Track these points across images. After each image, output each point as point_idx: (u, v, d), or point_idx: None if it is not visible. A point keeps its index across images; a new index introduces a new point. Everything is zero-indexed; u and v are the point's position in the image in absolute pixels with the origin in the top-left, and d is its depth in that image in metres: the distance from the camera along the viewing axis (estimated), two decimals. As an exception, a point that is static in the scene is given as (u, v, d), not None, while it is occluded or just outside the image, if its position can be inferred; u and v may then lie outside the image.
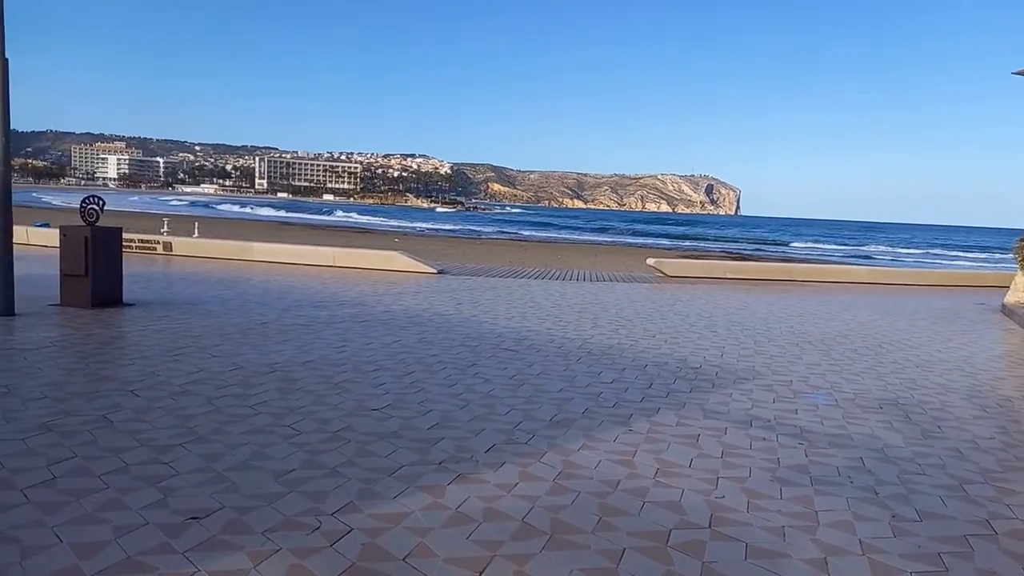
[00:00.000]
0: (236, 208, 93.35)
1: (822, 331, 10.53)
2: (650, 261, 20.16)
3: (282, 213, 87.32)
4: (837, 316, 12.32)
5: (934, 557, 3.45)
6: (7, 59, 8.38)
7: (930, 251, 71.78)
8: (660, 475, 4.34)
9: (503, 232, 65.48)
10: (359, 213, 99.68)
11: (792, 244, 71.30)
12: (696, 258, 32.68)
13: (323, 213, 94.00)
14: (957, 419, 6.02)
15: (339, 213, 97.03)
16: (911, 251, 70.10)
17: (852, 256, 55.82)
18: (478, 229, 67.40)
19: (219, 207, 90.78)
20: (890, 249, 71.84)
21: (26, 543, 3.10)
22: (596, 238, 64.69)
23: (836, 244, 76.63)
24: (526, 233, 64.99)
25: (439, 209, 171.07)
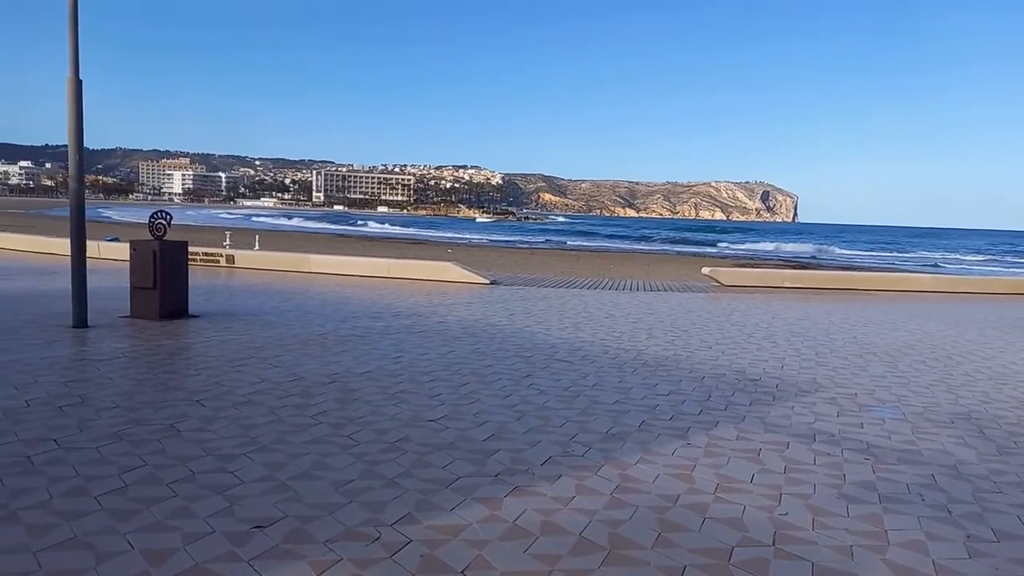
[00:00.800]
0: (270, 220, 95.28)
1: (887, 342, 10.19)
2: (705, 270, 19.85)
3: (296, 221, 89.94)
4: (902, 326, 11.91)
5: (1015, 581, 3.28)
6: (81, 80, 8.78)
7: (994, 257, 68.60)
8: (720, 490, 4.25)
9: (548, 241, 65.11)
10: (378, 223, 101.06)
11: (836, 252, 68.28)
12: (753, 267, 32.08)
13: (349, 223, 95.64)
14: (1035, 435, 5.74)
15: (367, 224, 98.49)
16: (976, 258, 67.16)
17: (914, 264, 53.87)
18: (506, 239, 66.40)
19: (255, 218, 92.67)
20: (955, 256, 69.00)
21: (100, 549, 3.22)
22: (637, 246, 63.79)
23: (895, 252, 73.96)
24: (571, 243, 64.43)
25: (479, 219, 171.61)
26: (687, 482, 4.37)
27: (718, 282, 18.65)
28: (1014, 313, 14.51)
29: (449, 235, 70.25)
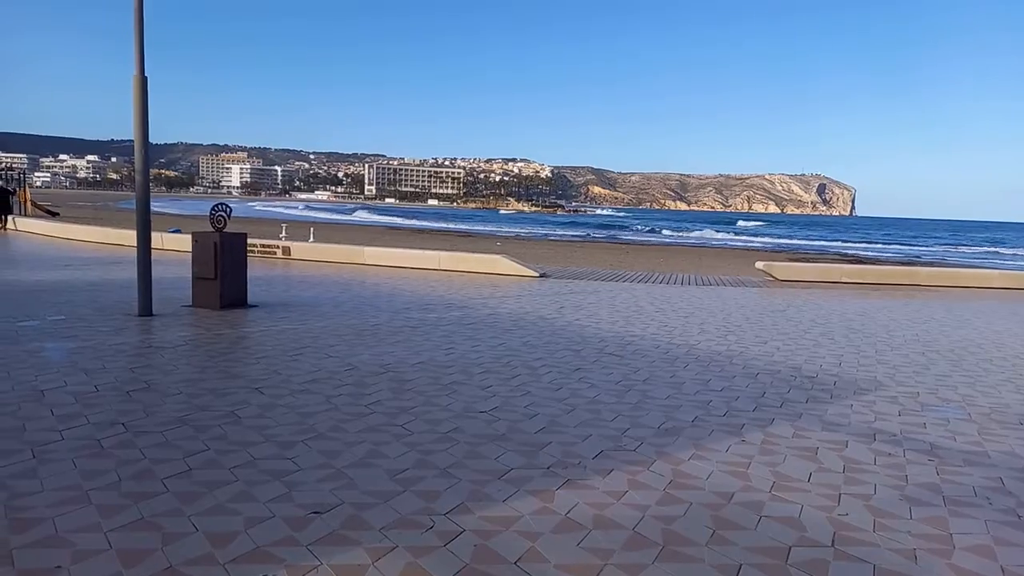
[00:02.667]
0: (280, 209, 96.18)
1: (951, 340, 9.83)
2: (759, 264, 19.46)
3: (304, 211, 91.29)
4: (968, 323, 11.48)
5: (1091, 591, 3.14)
6: (146, 77, 9.07)
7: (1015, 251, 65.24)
8: (777, 489, 4.18)
9: (574, 234, 64.29)
10: (379, 213, 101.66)
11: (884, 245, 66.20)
12: (809, 261, 31.32)
13: (342, 213, 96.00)
14: (1113, 439, 5.47)
15: (359, 213, 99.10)
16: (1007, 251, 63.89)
17: (978, 257, 51.70)
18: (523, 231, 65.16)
19: (288, 211, 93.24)
20: (989, 249, 65.81)
21: (167, 530, 3.34)
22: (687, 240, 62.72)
23: (962, 245, 71.20)
24: (599, 235, 63.50)
25: (503, 211, 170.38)
26: (742, 479, 4.30)
27: (773, 276, 18.27)
28: (1089, 311, 13.83)
29: (461, 227, 69.13)
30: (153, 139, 9.49)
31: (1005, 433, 5.52)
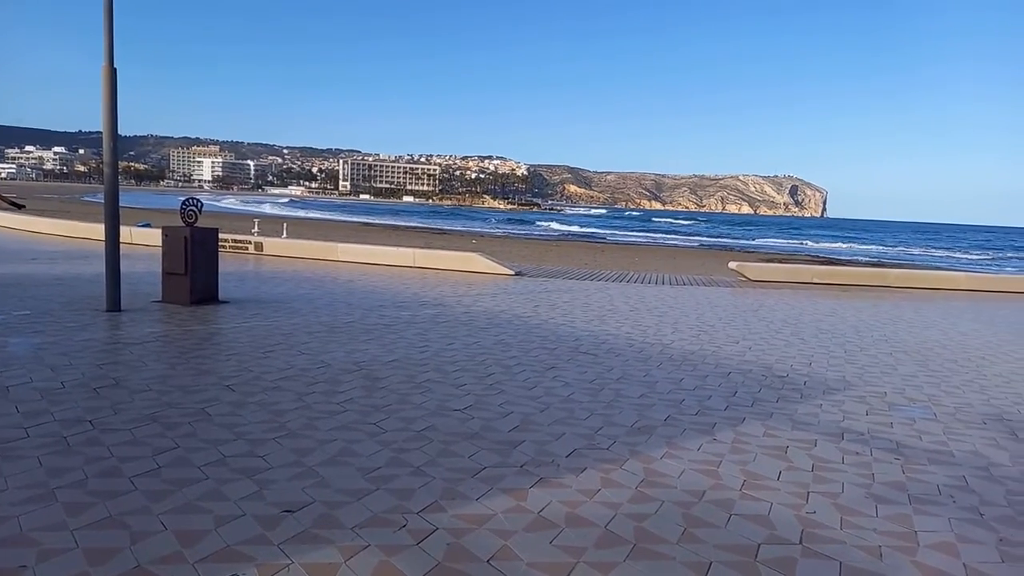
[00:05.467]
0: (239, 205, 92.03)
1: (918, 340, 10.03)
2: (732, 264, 19.68)
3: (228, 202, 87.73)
4: (935, 324, 11.71)
5: (1048, 587, 3.23)
6: (115, 68, 8.91)
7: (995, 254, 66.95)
8: (747, 487, 4.23)
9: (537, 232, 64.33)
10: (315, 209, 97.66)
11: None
12: (781, 261, 31.73)
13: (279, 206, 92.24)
14: (1071, 438, 5.62)
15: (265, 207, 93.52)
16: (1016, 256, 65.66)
17: (942, 260, 52.81)
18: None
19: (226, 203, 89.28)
20: (993, 254, 67.57)
21: (135, 529, 3.29)
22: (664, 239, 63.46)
23: (924, 248, 72.76)
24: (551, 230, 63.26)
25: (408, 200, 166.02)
26: (713, 478, 4.35)
27: (745, 277, 18.48)
28: (1050, 314, 14.18)
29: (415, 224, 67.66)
30: (122, 131, 9.33)
31: (969, 432, 5.64)
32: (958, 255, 63.44)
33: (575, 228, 79.38)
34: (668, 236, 69.86)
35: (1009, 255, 66.82)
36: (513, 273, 16.47)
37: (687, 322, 10.61)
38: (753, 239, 74.45)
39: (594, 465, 4.46)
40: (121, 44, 8.87)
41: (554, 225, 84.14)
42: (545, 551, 3.31)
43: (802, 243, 71.28)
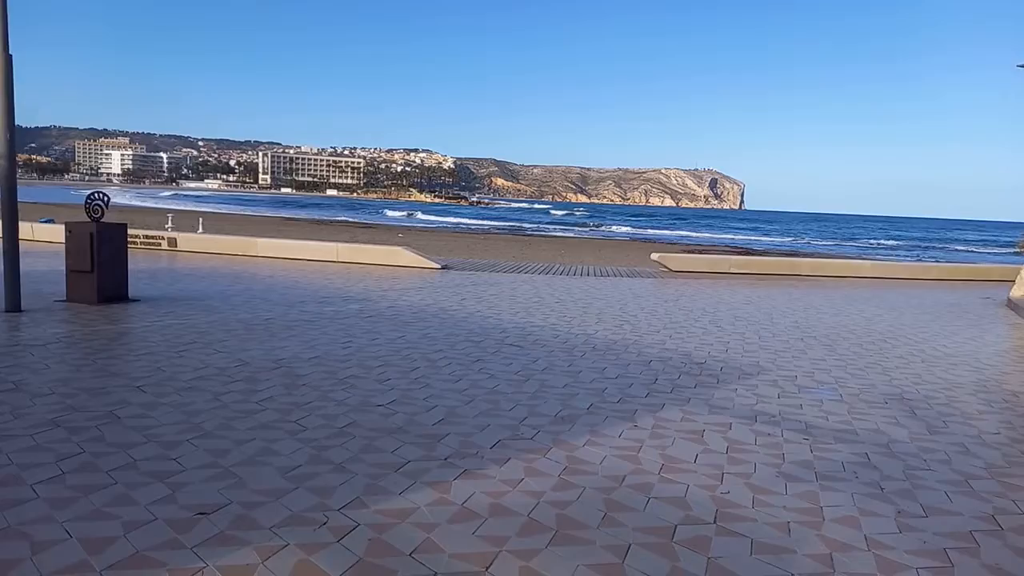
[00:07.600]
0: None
1: (827, 326, 10.52)
2: (654, 256, 20.15)
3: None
4: (842, 311, 12.31)
5: (940, 553, 3.45)
6: (11, 55, 8.39)
7: (935, 245, 71.56)
8: (665, 471, 4.35)
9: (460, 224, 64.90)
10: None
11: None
12: (701, 252, 32.67)
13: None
14: (963, 414, 6.02)
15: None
16: (916, 244, 69.82)
17: (853, 250, 55.56)
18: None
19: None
20: (895, 243, 71.64)
21: (36, 538, 3.12)
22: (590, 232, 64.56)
23: (838, 240, 76.50)
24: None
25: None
26: (633, 463, 4.46)
27: (667, 268, 18.95)
28: (947, 298, 15.13)
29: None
30: (21, 121, 8.79)
31: (872, 412, 5.96)
32: (864, 243, 66.92)
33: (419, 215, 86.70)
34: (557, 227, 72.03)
35: (912, 244, 70.88)
36: (440, 267, 16.39)
37: (611, 312, 10.81)
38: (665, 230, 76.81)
39: (518, 455, 4.49)
40: (16, 27, 8.35)
41: (390, 212, 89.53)
42: (468, 542, 3.32)
43: (719, 236, 73.89)
